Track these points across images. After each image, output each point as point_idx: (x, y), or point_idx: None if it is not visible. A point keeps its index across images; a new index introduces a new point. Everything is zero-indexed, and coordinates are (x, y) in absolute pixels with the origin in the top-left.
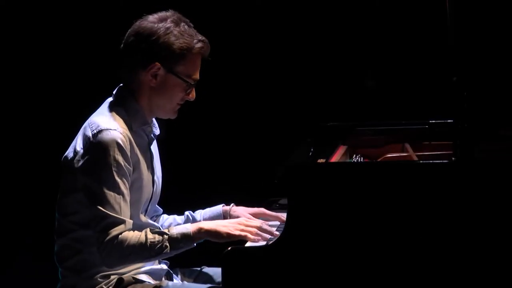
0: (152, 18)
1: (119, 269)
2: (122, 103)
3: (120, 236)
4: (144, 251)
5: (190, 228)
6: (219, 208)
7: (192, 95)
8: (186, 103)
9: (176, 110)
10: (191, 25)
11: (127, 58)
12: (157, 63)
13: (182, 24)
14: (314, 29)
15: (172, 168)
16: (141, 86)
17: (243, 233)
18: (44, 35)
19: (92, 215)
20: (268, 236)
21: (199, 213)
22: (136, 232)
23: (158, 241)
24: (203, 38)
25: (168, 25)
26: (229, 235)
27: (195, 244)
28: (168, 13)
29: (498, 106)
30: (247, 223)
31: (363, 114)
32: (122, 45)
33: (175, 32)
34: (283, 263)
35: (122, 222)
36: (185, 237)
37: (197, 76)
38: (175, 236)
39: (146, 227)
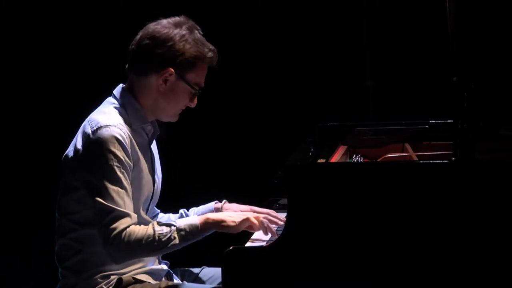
0: (167, 23)
1: (119, 269)
2: (122, 102)
3: (127, 229)
4: (152, 243)
5: (197, 219)
6: (212, 205)
7: (194, 102)
8: (186, 107)
9: (178, 115)
10: (202, 33)
11: (140, 60)
12: (171, 68)
13: (196, 32)
14: (314, 30)
15: (172, 168)
16: (148, 88)
17: (248, 223)
18: (44, 35)
19: (96, 211)
20: (271, 233)
21: (192, 211)
22: (142, 225)
23: (166, 232)
24: (213, 47)
25: (183, 32)
26: (235, 224)
27: (202, 236)
28: (182, 19)
29: (498, 106)
30: (254, 214)
31: (363, 114)
32: (134, 46)
33: (190, 40)
34: (283, 263)
35: (128, 215)
36: (193, 228)
37: (202, 82)
38: (183, 227)
39: (152, 222)
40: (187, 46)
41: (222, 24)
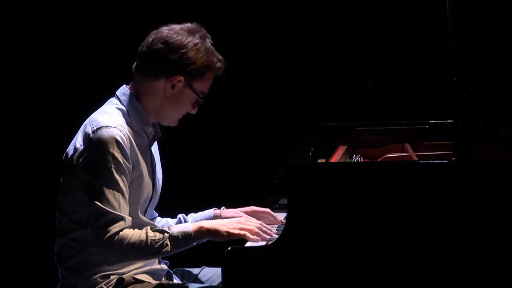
0: (180, 29)
1: (119, 269)
2: (124, 103)
3: (120, 233)
4: (144, 249)
5: (190, 227)
6: (211, 212)
7: (195, 109)
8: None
9: (178, 120)
10: (212, 42)
11: (151, 63)
12: (181, 76)
13: (207, 40)
14: (314, 30)
15: (172, 169)
16: (155, 91)
17: (242, 232)
18: (44, 35)
19: (91, 212)
20: (267, 237)
21: (191, 217)
22: (136, 230)
23: (158, 239)
24: (221, 57)
25: (197, 40)
26: (228, 233)
27: (195, 244)
28: (196, 27)
29: (498, 106)
30: (247, 222)
31: (363, 114)
32: (146, 48)
33: (202, 49)
34: (283, 263)
35: (122, 219)
36: (185, 236)
37: (206, 92)
38: (176, 234)
39: (146, 227)
40: (199, 55)
41: (222, 24)
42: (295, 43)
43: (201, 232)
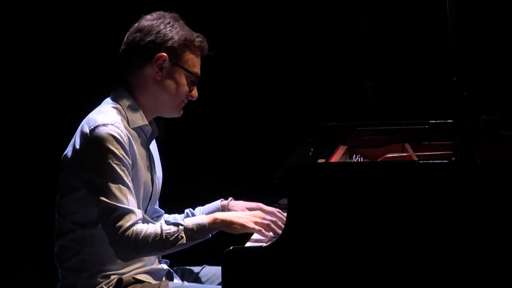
0: (150, 16)
1: (119, 269)
2: (120, 102)
3: (134, 227)
4: (159, 242)
5: (205, 219)
6: (217, 203)
7: (194, 93)
8: (187, 103)
9: (181, 108)
10: (186, 26)
11: (131, 55)
12: (163, 53)
13: (180, 21)
14: (314, 29)
15: (172, 168)
16: (146, 82)
17: (257, 227)
18: (44, 35)
19: (100, 210)
20: (275, 234)
21: (198, 210)
22: (150, 224)
23: (173, 232)
24: (201, 35)
25: (168, 20)
26: (244, 226)
27: (210, 235)
28: (165, 13)
29: (498, 106)
30: (263, 216)
31: (363, 114)
32: (123, 45)
33: (175, 26)
34: (283, 263)
35: (132, 212)
36: (200, 227)
37: (198, 71)
38: (191, 227)
39: (160, 221)
40: (174, 30)
41: (222, 24)
42: (295, 43)
43: (216, 224)
